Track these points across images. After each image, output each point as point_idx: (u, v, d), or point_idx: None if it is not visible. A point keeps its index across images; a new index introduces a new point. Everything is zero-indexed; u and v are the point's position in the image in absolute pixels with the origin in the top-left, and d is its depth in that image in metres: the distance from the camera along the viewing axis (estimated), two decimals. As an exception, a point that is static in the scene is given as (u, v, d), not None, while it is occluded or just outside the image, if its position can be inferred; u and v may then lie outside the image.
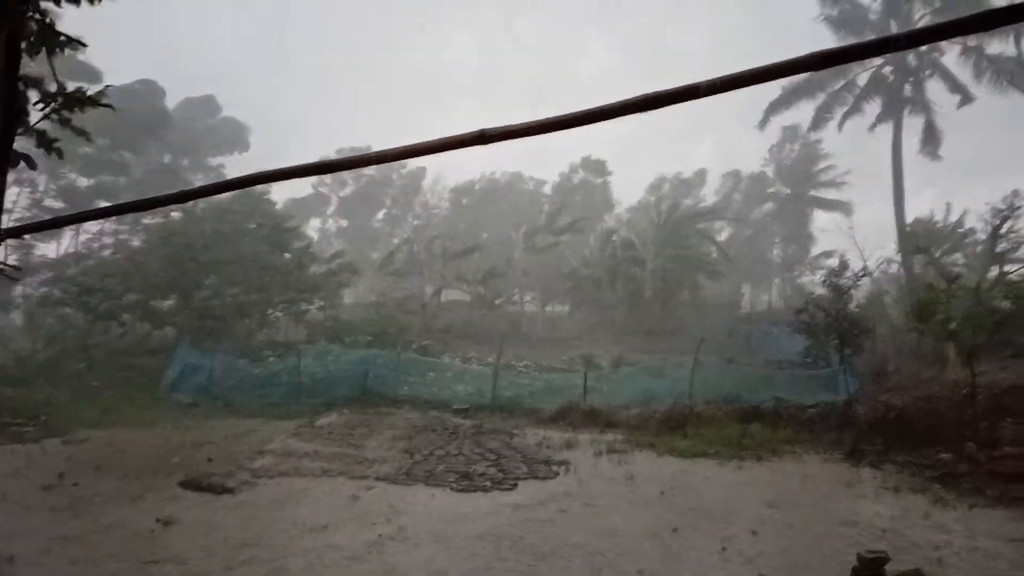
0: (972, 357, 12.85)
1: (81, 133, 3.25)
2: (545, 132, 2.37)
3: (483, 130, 2.40)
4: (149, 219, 31.47)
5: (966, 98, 27.04)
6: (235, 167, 43.28)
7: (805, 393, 16.61)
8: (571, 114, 2.29)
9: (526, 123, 2.39)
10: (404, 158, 2.78)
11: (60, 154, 3.09)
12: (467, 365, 20.95)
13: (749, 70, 2.08)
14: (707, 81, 2.16)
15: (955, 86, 27.37)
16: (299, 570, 6.93)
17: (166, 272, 23.83)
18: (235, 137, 46.39)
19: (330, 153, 53.37)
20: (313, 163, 2.64)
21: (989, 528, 8.43)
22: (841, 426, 13.85)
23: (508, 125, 2.39)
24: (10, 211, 32.09)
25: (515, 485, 10.36)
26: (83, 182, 35.30)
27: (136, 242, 33.38)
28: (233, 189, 2.69)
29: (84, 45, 2.81)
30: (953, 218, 32.27)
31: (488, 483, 10.39)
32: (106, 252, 33.30)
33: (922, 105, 28.36)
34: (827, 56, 2.01)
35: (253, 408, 16.66)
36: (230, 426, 14.36)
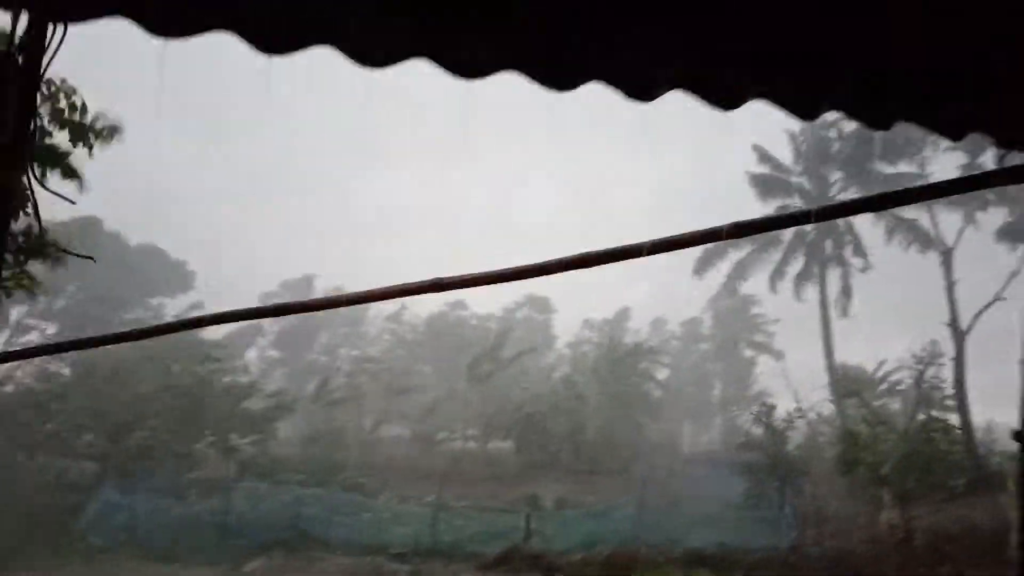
0: (904, 501, 13.12)
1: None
2: (493, 283, 2.54)
3: (438, 279, 2.55)
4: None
5: (866, 265, 29.64)
6: (177, 306, 42.53)
7: (749, 536, 16.49)
8: (519, 267, 2.46)
9: (477, 274, 2.54)
10: (359, 303, 2.88)
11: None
12: (405, 506, 20.17)
13: (683, 234, 2.31)
14: (650, 241, 2.38)
15: (858, 250, 29.90)
16: None
17: (90, 405, 22.76)
18: (182, 282, 46.16)
19: (274, 285, 53.34)
20: (272, 305, 2.74)
21: None
22: (787, 571, 13.72)
23: (462, 275, 2.53)
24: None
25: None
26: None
27: (64, 371, 32.01)
28: (197, 327, 2.74)
29: (72, 202, 2.91)
30: (880, 364, 33.83)
31: (425, 636, 9.78)
32: (27, 381, 31.77)
33: (839, 261, 30.63)
34: (740, 226, 2.28)
35: (173, 552, 15.53)
36: (145, 573, 13.32)
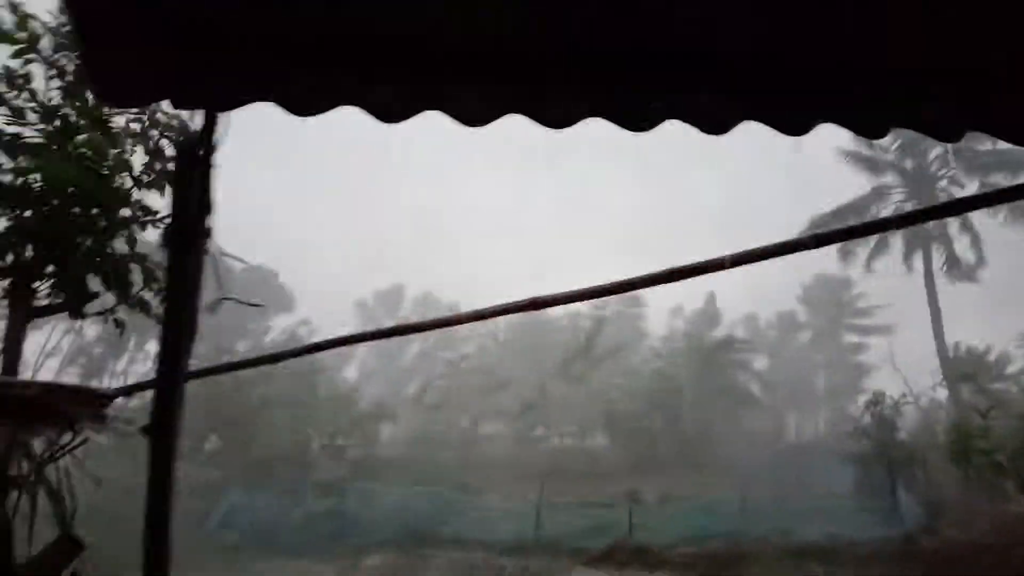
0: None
1: None
2: (585, 299, 2.85)
3: (534, 298, 2.88)
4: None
5: (976, 241, 28.03)
6: (284, 323, 44.78)
7: (859, 528, 16.04)
8: (609, 283, 2.82)
9: (570, 291, 2.87)
10: (464, 322, 3.25)
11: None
12: (508, 503, 20.69)
13: (763, 247, 2.57)
14: (731, 255, 2.64)
15: (965, 224, 28.25)
16: None
17: (213, 416, 24.38)
18: (287, 301, 48.58)
19: (367, 294, 55.14)
20: (387, 328, 3.23)
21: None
22: (903, 563, 13.32)
23: (555, 293, 2.86)
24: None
25: (566, 629, 10.12)
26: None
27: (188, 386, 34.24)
28: (322, 350, 3.17)
29: (245, 262, 3.38)
30: (995, 345, 31.96)
31: (538, 627, 10.17)
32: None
33: (942, 239, 29.11)
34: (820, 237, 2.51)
35: (297, 549, 16.54)
36: (276, 568, 14.28)
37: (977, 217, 28.42)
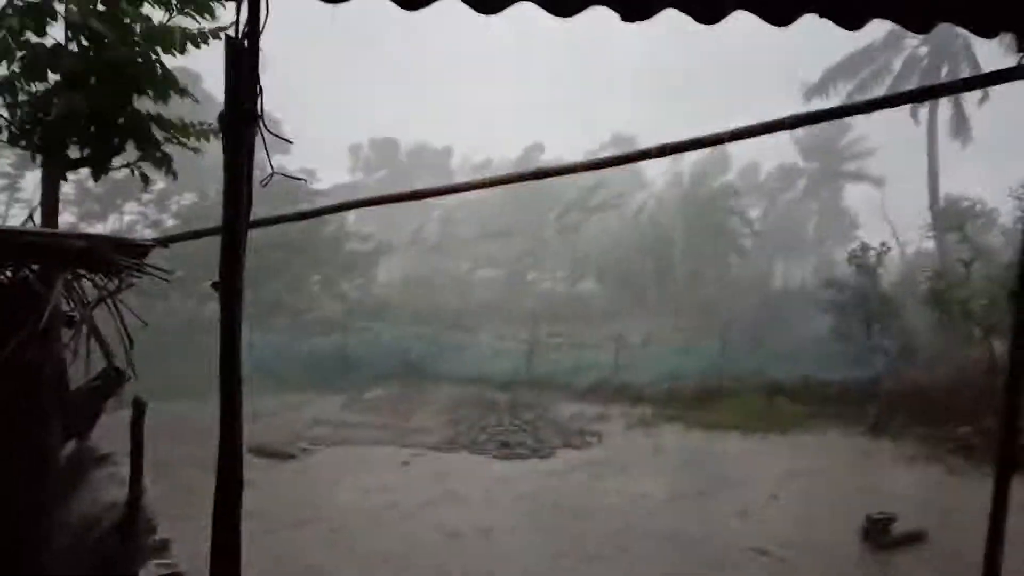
0: (990, 334, 13.28)
1: None
2: (589, 170, 3.10)
3: (539, 168, 3.14)
4: (177, 204, 32.88)
5: (985, 96, 27.30)
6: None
7: (831, 370, 17.10)
8: (609, 157, 3.05)
9: (574, 163, 3.12)
10: (470, 189, 3.53)
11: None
12: (502, 342, 21.77)
13: (748, 126, 2.80)
14: (730, 131, 2.88)
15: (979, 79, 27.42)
16: (361, 526, 7.79)
17: (211, 257, 24.88)
18: (284, 145, 47.46)
19: (363, 141, 54.00)
20: (408, 192, 3.41)
21: (996, 495, 9.03)
22: (865, 401, 14.39)
23: (559, 165, 3.13)
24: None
25: (551, 453, 11.19)
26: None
27: (176, 224, 34.60)
28: (347, 209, 3.47)
29: (291, 142, 3.57)
30: (988, 197, 32.08)
31: (526, 451, 11.23)
32: (146, 232, 34.52)
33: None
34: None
35: (302, 383, 17.62)
36: (284, 400, 15.32)
37: (988, 63, 27.69)
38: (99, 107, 3.73)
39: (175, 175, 4.17)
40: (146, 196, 35.15)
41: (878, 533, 7.36)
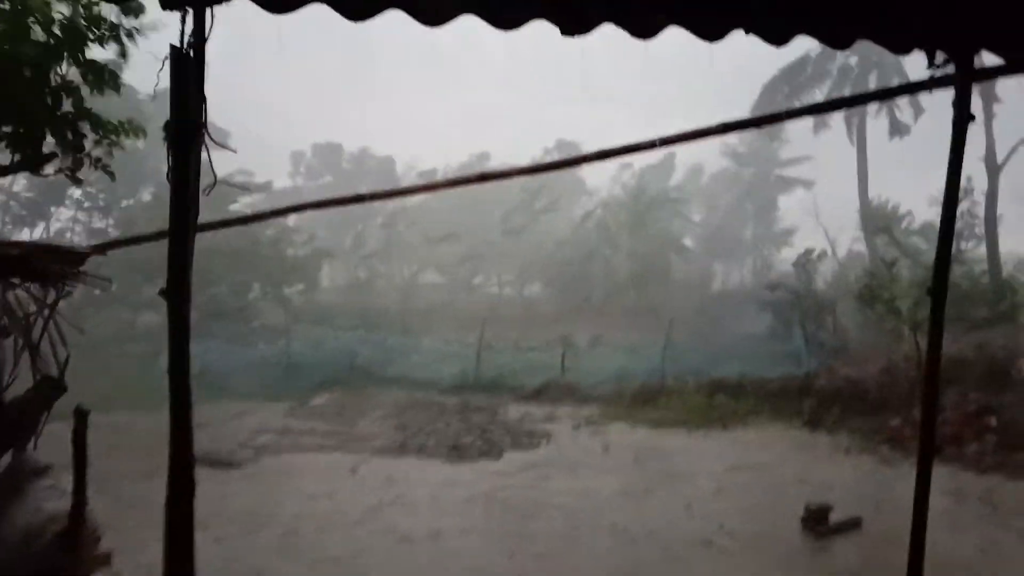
0: (917, 331, 13.91)
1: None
2: (533, 173, 3.19)
3: (483, 172, 3.20)
4: (118, 206, 31.85)
5: (918, 109, 28.81)
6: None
7: (769, 367, 17.64)
8: (557, 160, 3.14)
9: (518, 167, 3.21)
10: (426, 191, 3.56)
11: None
12: (449, 346, 21.75)
13: (684, 132, 2.91)
14: (661, 138, 2.99)
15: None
16: (310, 533, 7.70)
17: (151, 264, 24.13)
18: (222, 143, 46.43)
19: (306, 148, 53.22)
20: (352, 195, 3.44)
21: (924, 483, 9.49)
22: (801, 397, 14.90)
23: (504, 168, 3.21)
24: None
25: (500, 455, 11.25)
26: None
27: (109, 228, 33.45)
28: (293, 212, 3.47)
29: (234, 151, 3.54)
30: (911, 201, 33.63)
31: (476, 454, 11.26)
32: (76, 239, 33.25)
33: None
34: (727, 125, 2.87)
35: (245, 390, 17.26)
36: (226, 408, 14.97)
37: (913, 72, 29.04)
38: (23, 107, 3.64)
39: (112, 175, 4.09)
40: (77, 199, 33.88)
41: (816, 522, 7.66)
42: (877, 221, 30.45)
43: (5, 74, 3.56)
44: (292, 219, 52.95)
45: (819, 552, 7.15)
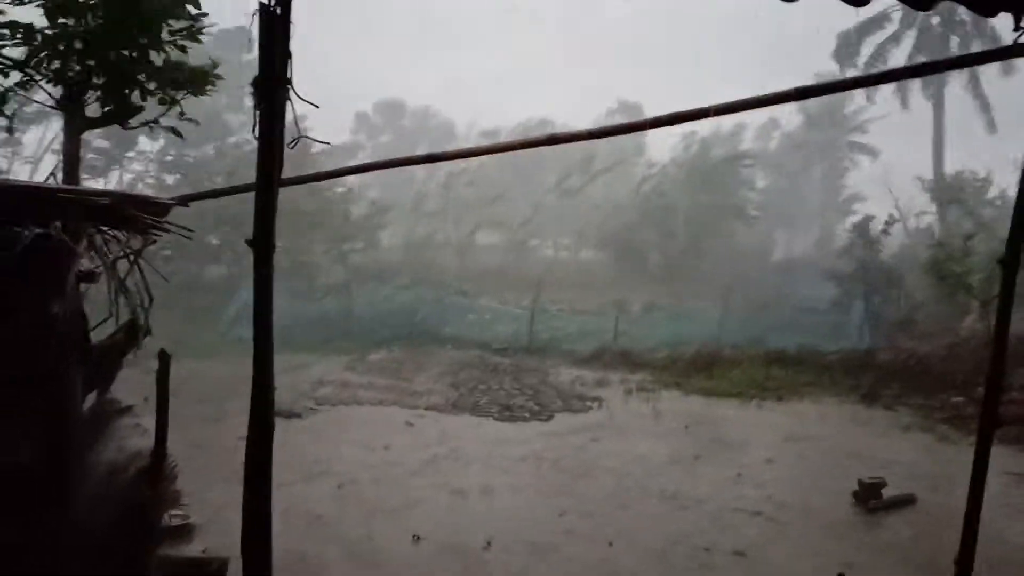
0: (987, 307, 13.42)
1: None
2: (601, 137, 3.20)
3: (552, 134, 3.22)
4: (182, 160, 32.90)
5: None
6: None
7: (830, 339, 17.29)
8: (612, 126, 3.14)
9: (587, 130, 3.22)
10: (487, 153, 3.64)
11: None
12: (504, 307, 21.93)
13: (745, 99, 2.89)
14: (715, 106, 2.97)
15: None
16: (367, 482, 8.03)
17: (216, 217, 24.86)
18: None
19: (368, 107, 53.64)
20: (423, 155, 3.52)
21: (985, 463, 9.27)
22: (861, 371, 14.60)
23: (574, 131, 3.22)
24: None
25: (551, 417, 11.42)
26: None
27: (176, 183, 34.59)
28: (376, 169, 3.58)
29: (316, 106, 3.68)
30: (992, 170, 31.98)
31: (527, 414, 11.47)
32: (149, 191, 34.46)
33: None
34: (804, 90, 2.82)
35: (308, 344, 17.79)
36: (289, 360, 15.44)
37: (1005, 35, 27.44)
38: (118, 55, 3.81)
39: (179, 134, 4.27)
40: (146, 152, 35.06)
41: (869, 496, 7.59)
42: (951, 190, 29.16)
43: (114, 27, 3.73)
44: (354, 177, 53.78)
45: (870, 527, 7.10)
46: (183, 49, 3.96)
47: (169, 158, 35.82)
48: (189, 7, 3.85)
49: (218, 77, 4.24)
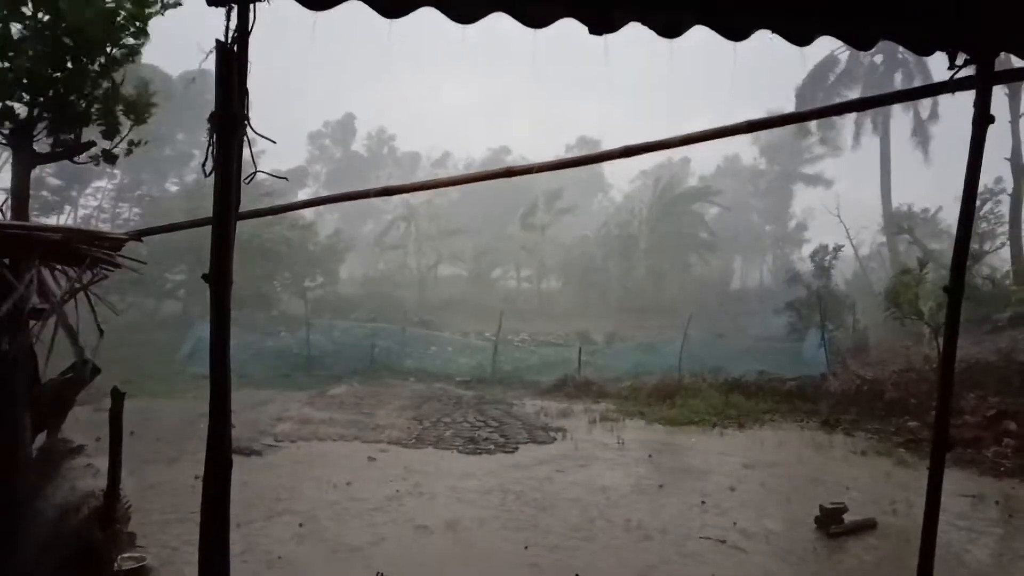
0: (938, 334, 13.81)
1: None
2: (558, 168, 3.25)
3: (509, 167, 3.26)
4: (146, 195, 32.32)
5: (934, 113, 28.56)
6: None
7: (787, 367, 17.62)
8: (580, 157, 3.18)
9: (545, 163, 3.26)
10: (446, 186, 3.65)
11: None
12: (466, 339, 21.90)
13: (703, 131, 2.97)
14: (679, 136, 3.04)
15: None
16: (329, 520, 7.83)
17: (174, 254, 24.49)
18: None
19: (318, 125, 53.54)
20: (379, 188, 3.52)
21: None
22: (818, 397, 14.87)
23: (529, 164, 3.25)
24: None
25: (516, 448, 11.34)
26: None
27: (134, 219, 34.05)
28: (333, 202, 3.56)
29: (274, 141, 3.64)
30: (936, 202, 33.29)
31: (492, 447, 11.37)
32: (100, 227, 33.81)
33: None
34: (753, 124, 2.92)
35: (266, 380, 17.51)
36: (247, 396, 15.20)
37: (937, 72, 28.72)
38: (65, 81, 3.76)
39: (140, 143, 4.21)
40: (102, 187, 34.38)
41: (830, 522, 7.67)
42: (899, 220, 30.19)
43: (55, 55, 3.69)
44: (311, 214, 53.58)
45: (832, 552, 7.16)
46: (127, 61, 3.93)
47: (126, 193, 35.30)
48: (129, 29, 3.83)
49: (152, 105, 4.21)
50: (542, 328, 27.28)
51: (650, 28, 2.48)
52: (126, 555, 5.40)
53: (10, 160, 3.81)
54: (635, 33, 2.60)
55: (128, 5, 3.80)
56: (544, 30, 2.47)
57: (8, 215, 3.92)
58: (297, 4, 2.37)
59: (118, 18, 3.87)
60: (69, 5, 3.67)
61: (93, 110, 3.89)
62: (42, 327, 3.60)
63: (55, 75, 3.64)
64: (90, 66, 3.86)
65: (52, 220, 35.48)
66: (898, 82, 29.57)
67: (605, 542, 7.28)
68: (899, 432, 12.41)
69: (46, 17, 3.63)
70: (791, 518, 8.14)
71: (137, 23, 3.82)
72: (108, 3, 3.82)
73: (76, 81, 3.84)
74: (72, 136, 3.83)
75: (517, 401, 15.48)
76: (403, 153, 54.37)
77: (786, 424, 13.71)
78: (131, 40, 4.05)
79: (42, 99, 3.62)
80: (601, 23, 2.46)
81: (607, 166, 53.22)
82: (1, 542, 3.47)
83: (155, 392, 15.95)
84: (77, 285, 3.41)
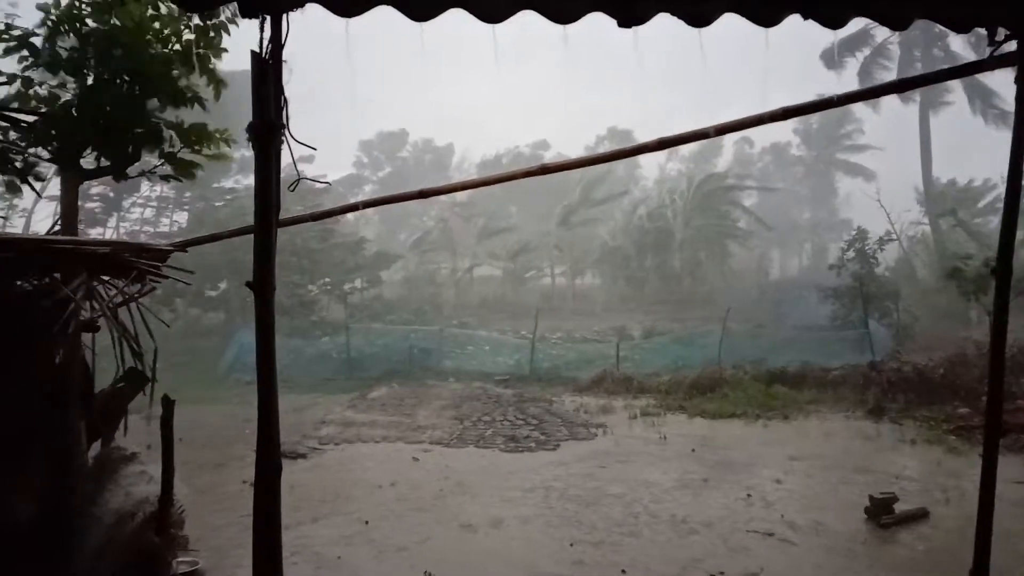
0: (989, 316, 13.40)
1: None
2: (592, 164, 3.25)
3: (543, 164, 3.28)
4: (188, 206, 33.00)
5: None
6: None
7: (831, 356, 17.30)
8: (615, 151, 3.19)
9: (578, 158, 3.27)
10: (481, 186, 3.68)
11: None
12: (504, 338, 21.95)
13: (740, 119, 2.94)
14: (715, 126, 3.03)
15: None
16: (375, 520, 7.94)
17: (217, 261, 24.95)
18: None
19: (371, 135, 54.28)
20: (416, 191, 3.55)
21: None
22: (864, 386, 14.55)
23: (564, 160, 3.26)
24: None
25: (558, 446, 11.34)
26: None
27: (175, 228, 34.88)
28: (373, 206, 3.63)
29: (314, 149, 3.74)
30: (982, 180, 32.27)
31: (533, 444, 11.39)
32: (143, 238, 34.66)
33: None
34: (788, 111, 2.88)
35: (308, 384, 17.80)
36: (290, 401, 15.48)
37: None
38: (117, 113, 3.88)
39: (194, 175, 4.32)
40: (147, 197, 35.26)
41: (880, 512, 7.52)
42: (943, 202, 29.39)
43: (113, 86, 3.81)
44: (352, 217, 54.29)
45: (884, 543, 7.03)
46: (196, 102, 4.02)
47: (171, 204, 36.14)
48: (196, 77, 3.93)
49: (227, 141, 4.29)
50: (578, 324, 27.20)
51: (679, 18, 2.48)
52: (180, 559, 5.56)
53: (58, 176, 3.95)
54: (663, 24, 2.59)
55: (197, 48, 3.89)
56: (572, 25, 2.48)
57: (58, 230, 4.06)
58: (329, 12, 2.42)
59: (172, 66, 3.97)
60: (129, 52, 3.79)
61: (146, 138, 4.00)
62: (93, 338, 3.73)
63: (114, 96, 3.75)
64: (146, 101, 3.97)
65: (97, 232, 36.63)
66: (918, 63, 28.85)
67: (650, 537, 7.24)
68: (949, 419, 12.08)
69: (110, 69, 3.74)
70: (840, 509, 7.99)
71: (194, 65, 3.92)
72: (173, 46, 3.92)
73: (130, 116, 3.95)
74: (120, 156, 3.94)
75: (556, 398, 15.49)
76: (442, 152, 54.73)
77: (831, 414, 13.46)
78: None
79: (94, 121, 3.73)
80: (629, 16, 2.46)
81: (640, 157, 52.84)
82: (60, 549, 3.60)
83: (200, 399, 16.31)
84: (126, 296, 3.52)
